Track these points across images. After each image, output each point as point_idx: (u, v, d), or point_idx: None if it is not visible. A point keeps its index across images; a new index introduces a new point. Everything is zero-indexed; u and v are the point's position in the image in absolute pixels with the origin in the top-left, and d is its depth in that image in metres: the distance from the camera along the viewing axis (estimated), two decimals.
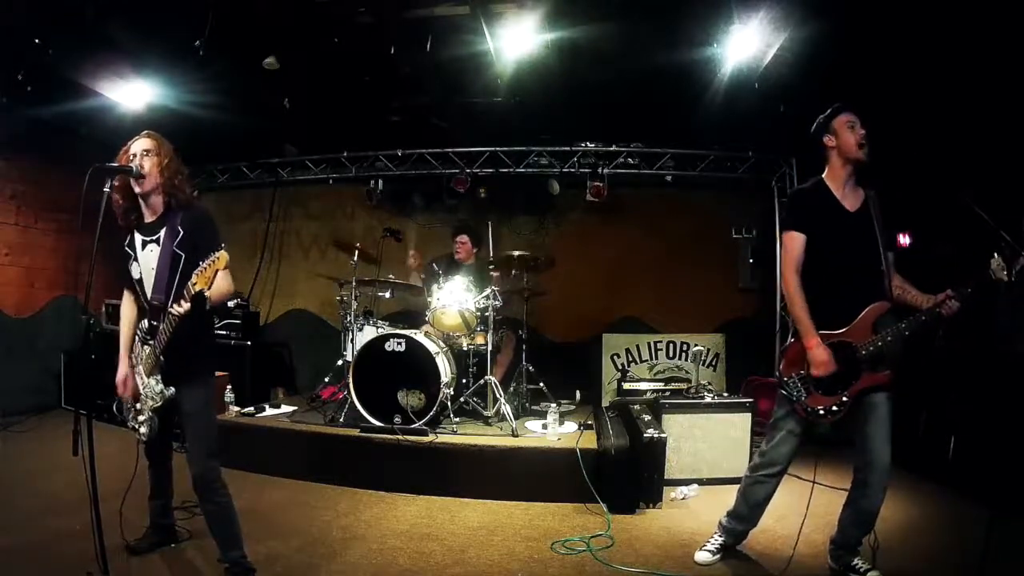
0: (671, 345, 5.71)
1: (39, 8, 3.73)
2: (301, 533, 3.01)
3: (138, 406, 2.41)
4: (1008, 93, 3.71)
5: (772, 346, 5.83)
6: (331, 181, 6.38)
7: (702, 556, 2.76)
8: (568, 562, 2.75)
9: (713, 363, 5.61)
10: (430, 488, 3.63)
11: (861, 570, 2.50)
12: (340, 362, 4.96)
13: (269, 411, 4.54)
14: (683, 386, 4.96)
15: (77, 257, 5.86)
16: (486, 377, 4.33)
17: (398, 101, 5.28)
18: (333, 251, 6.65)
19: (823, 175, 2.53)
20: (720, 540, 2.78)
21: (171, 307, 2.17)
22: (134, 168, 2.28)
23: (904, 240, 5.02)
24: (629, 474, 3.44)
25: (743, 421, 3.93)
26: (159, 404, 2.35)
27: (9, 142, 5.28)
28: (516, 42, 4.10)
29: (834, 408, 2.44)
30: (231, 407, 4.44)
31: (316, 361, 6.04)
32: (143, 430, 2.41)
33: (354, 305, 4.59)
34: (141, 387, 2.39)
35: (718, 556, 2.76)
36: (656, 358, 5.70)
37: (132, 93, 4.74)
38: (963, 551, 2.84)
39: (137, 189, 2.32)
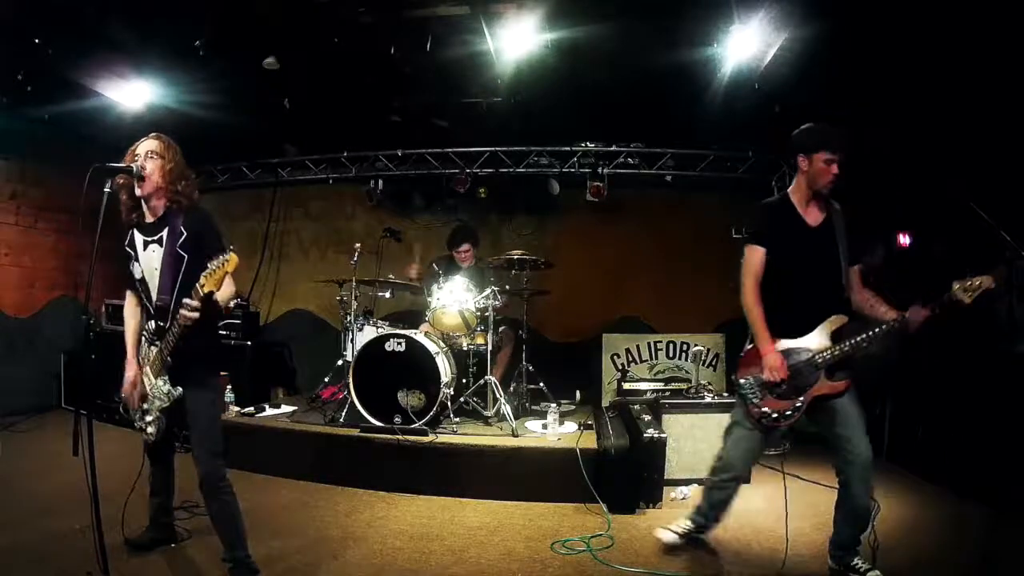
0: (671, 345, 5.70)
1: (39, 8, 3.72)
2: (301, 533, 3.01)
3: (145, 407, 2.41)
4: (1009, 93, 3.70)
5: None
6: (331, 181, 6.38)
7: (664, 534, 2.87)
8: (568, 562, 2.75)
9: (713, 363, 5.60)
10: (430, 488, 3.63)
11: (861, 570, 2.50)
12: (340, 362, 4.96)
13: (269, 411, 4.54)
14: (683, 386, 4.96)
15: (77, 257, 5.86)
16: (486, 377, 4.33)
17: (398, 101, 5.27)
18: (333, 251, 6.67)
19: (789, 189, 2.64)
20: (686, 526, 2.88)
21: (180, 309, 2.15)
22: (135, 168, 2.28)
23: (904, 240, 5.03)
24: (629, 474, 3.44)
25: None
26: (167, 404, 2.35)
27: (9, 142, 5.28)
28: (516, 42, 4.10)
29: (787, 413, 2.51)
30: (231, 407, 4.44)
31: (316, 361, 6.03)
32: (151, 430, 2.41)
33: (354, 305, 4.59)
34: (149, 388, 2.39)
35: (681, 540, 2.85)
36: (656, 358, 5.69)
37: (132, 93, 4.75)
38: (963, 551, 2.84)
39: (138, 191, 2.31)
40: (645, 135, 5.78)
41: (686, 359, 5.63)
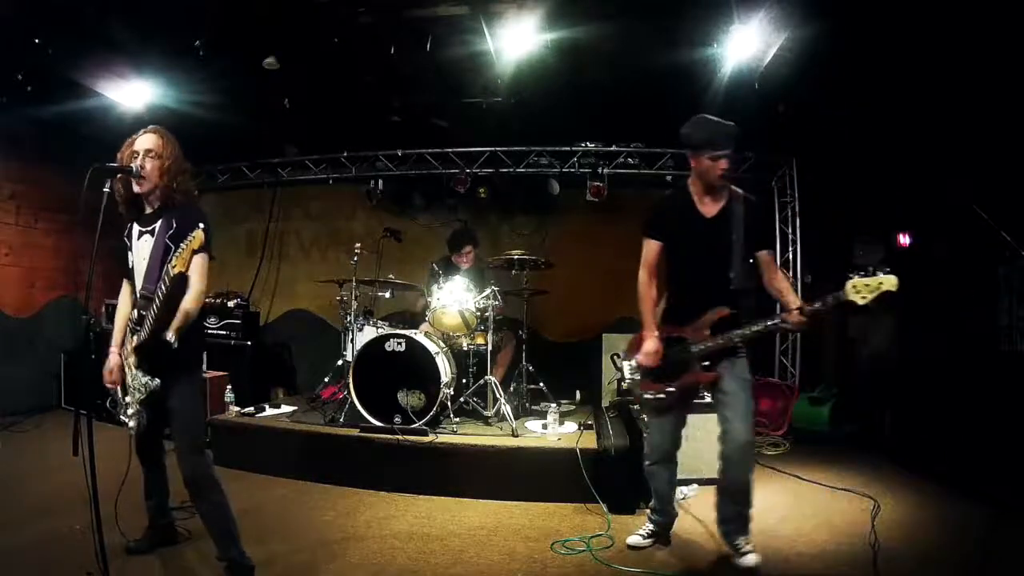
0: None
1: (39, 8, 3.72)
2: (301, 533, 3.01)
3: (127, 399, 2.36)
4: (1009, 93, 3.71)
5: (772, 346, 5.84)
6: (331, 181, 6.38)
7: (633, 539, 2.89)
8: (568, 562, 2.75)
9: None
10: (430, 488, 3.63)
11: (741, 550, 2.58)
12: (340, 362, 4.96)
13: (269, 411, 4.54)
14: None
15: (77, 257, 5.86)
16: (486, 377, 4.33)
17: (398, 101, 5.27)
18: (333, 251, 6.66)
19: (689, 180, 2.67)
20: (650, 527, 2.91)
21: (155, 294, 2.14)
22: (134, 168, 2.29)
23: (904, 240, 5.03)
24: (629, 474, 3.44)
25: None
26: (144, 396, 2.27)
27: (9, 142, 5.29)
28: (516, 42, 4.10)
29: (660, 396, 2.63)
30: (231, 407, 4.44)
31: (316, 361, 6.03)
32: (131, 424, 2.36)
33: (354, 305, 4.58)
34: (129, 378, 2.33)
35: (649, 540, 2.88)
36: None
37: (132, 93, 4.75)
38: (963, 551, 2.84)
39: (136, 189, 2.31)
40: (645, 135, 5.78)
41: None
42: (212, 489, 2.34)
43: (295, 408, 4.66)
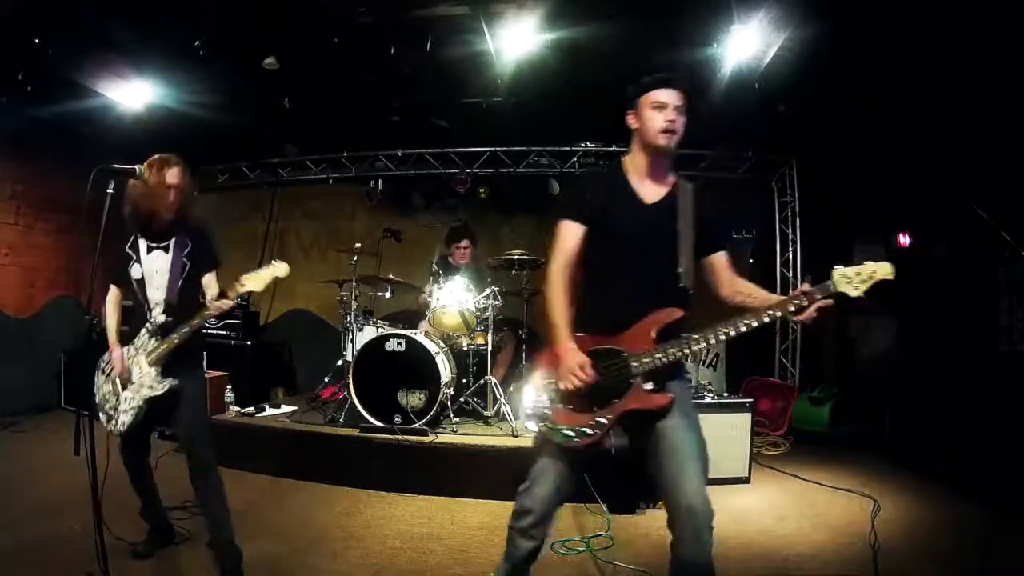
0: None
1: (39, 8, 3.72)
2: (301, 533, 3.01)
3: (127, 394, 2.45)
4: (1009, 93, 3.71)
5: (772, 346, 5.84)
6: (331, 181, 6.38)
7: None
8: (568, 562, 2.75)
9: (713, 363, 5.60)
10: (430, 488, 3.63)
11: None
12: (340, 362, 4.96)
13: (269, 411, 4.54)
14: None
15: (77, 257, 5.86)
16: (486, 377, 4.33)
17: (398, 101, 5.28)
18: (333, 251, 6.66)
19: (624, 158, 2.09)
20: None
21: (216, 301, 2.41)
22: (138, 170, 2.35)
23: (904, 240, 5.03)
24: (629, 474, 3.44)
25: (743, 421, 3.93)
26: (158, 393, 2.42)
27: (9, 142, 5.28)
28: (516, 42, 4.10)
29: (585, 430, 1.89)
30: (231, 407, 4.44)
31: (316, 361, 6.03)
32: (125, 419, 2.44)
33: (354, 305, 4.59)
34: (137, 376, 2.45)
35: None
36: None
37: (132, 93, 4.74)
38: (963, 551, 2.84)
39: (165, 216, 2.49)
40: None
41: (686, 359, 5.62)
42: (216, 475, 2.50)
43: (295, 408, 4.66)
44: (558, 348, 1.90)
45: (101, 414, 2.50)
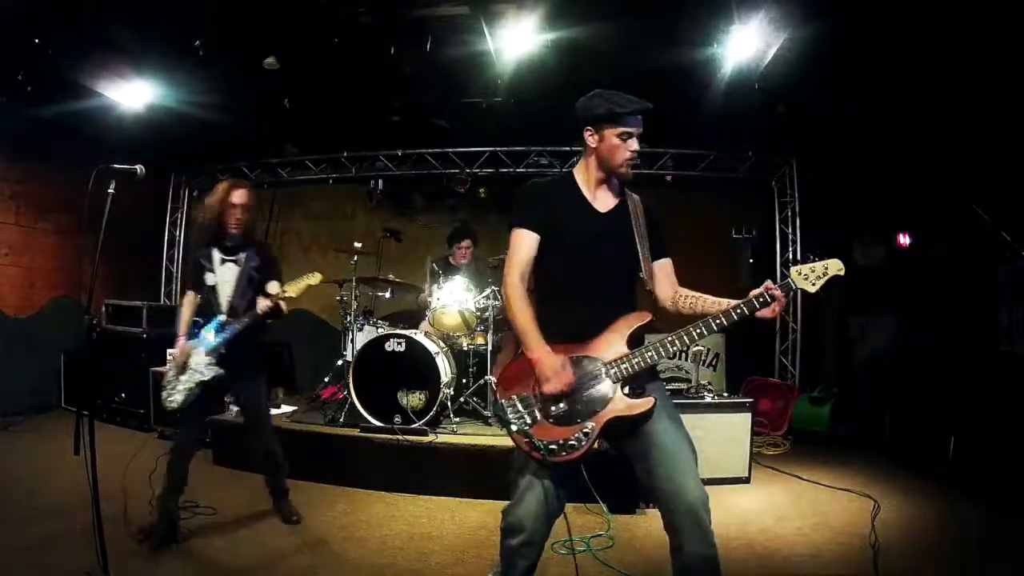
0: None
1: (39, 8, 3.72)
2: (301, 533, 3.01)
3: (184, 377, 2.81)
4: (1009, 93, 3.71)
5: (772, 346, 5.84)
6: (331, 181, 6.39)
7: None
8: (568, 562, 2.75)
9: (713, 363, 5.61)
10: (430, 488, 3.63)
11: None
12: (340, 362, 4.96)
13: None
14: (683, 386, 4.95)
15: (77, 257, 5.86)
16: (486, 377, 4.33)
17: (398, 101, 5.28)
18: (333, 251, 6.65)
19: (573, 168, 2.10)
20: None
21: (263, 301, 2.85)
22: (138, 170, 2.35)
23: (904, 240, 5.03)
24: (629, 474, 3.43)
25: (743, 421, 3.93)
26: (207, 379, 2.80)
27: (9, 142, 5.28)
28: (516, 42, 4.11)
29: (572, 443, 1.84)
30: (231, 407, 4.43)
31: (316, 361, 6.04)
32: (178, 397, 2.79)
33: (354, 305, 4.58)
34: (194, 363, 2.82)
35: None
36: None
37: (132, 93, 4.75)
38: (963, 551, 2.84)
39: (233, 231, 2.89)
40: (645, 135, 5.74)
41: (686, 359, 5.63)
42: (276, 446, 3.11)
43: (295, 408, 4.67)
44: (532, 354, 1.85)
45: (163, 392, 2.86)
